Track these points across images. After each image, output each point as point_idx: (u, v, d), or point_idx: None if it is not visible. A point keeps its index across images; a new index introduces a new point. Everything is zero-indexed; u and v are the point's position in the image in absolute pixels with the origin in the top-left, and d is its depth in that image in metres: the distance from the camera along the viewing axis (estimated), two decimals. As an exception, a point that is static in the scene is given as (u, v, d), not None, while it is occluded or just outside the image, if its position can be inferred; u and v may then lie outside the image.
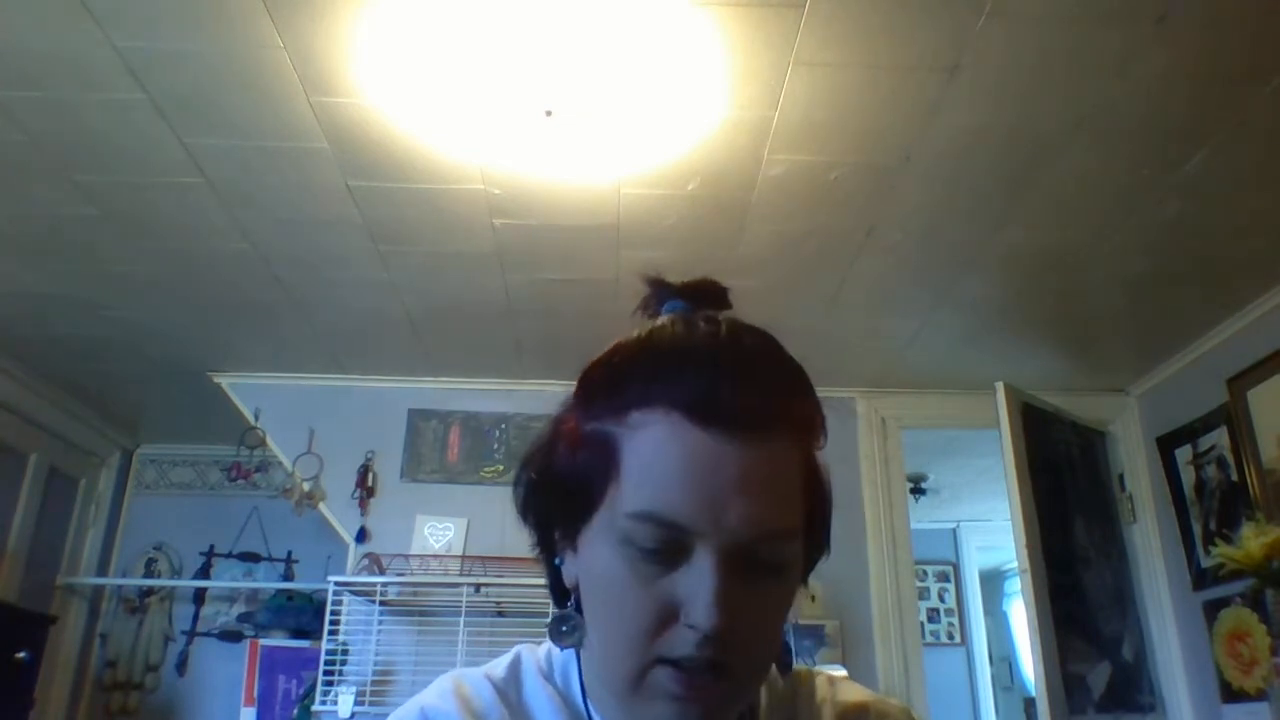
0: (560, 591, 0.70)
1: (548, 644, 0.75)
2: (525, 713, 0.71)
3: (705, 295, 0.72)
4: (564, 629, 0.68)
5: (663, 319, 0.68)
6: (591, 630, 0.65)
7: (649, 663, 0.60)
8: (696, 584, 0.58)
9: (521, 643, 0.78)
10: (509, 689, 0.72)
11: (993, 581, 6.46)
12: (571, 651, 0.73)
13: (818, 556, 0.69)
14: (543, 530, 0.69)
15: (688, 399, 0.59)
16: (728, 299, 0.72)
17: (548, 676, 0.73)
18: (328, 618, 3.16)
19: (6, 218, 2.44)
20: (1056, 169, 2.20)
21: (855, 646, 3.31)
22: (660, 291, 0.73)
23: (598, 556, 0.62)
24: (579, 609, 0.67)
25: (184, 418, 3.96)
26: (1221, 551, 2.59)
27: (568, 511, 0.65)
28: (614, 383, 0.64)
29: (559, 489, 0.65)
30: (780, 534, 0.60)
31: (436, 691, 0.72)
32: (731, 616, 0.57)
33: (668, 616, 0.59)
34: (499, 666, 0.74)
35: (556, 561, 0.69)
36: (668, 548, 0.59)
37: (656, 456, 0.59)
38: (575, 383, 0.68)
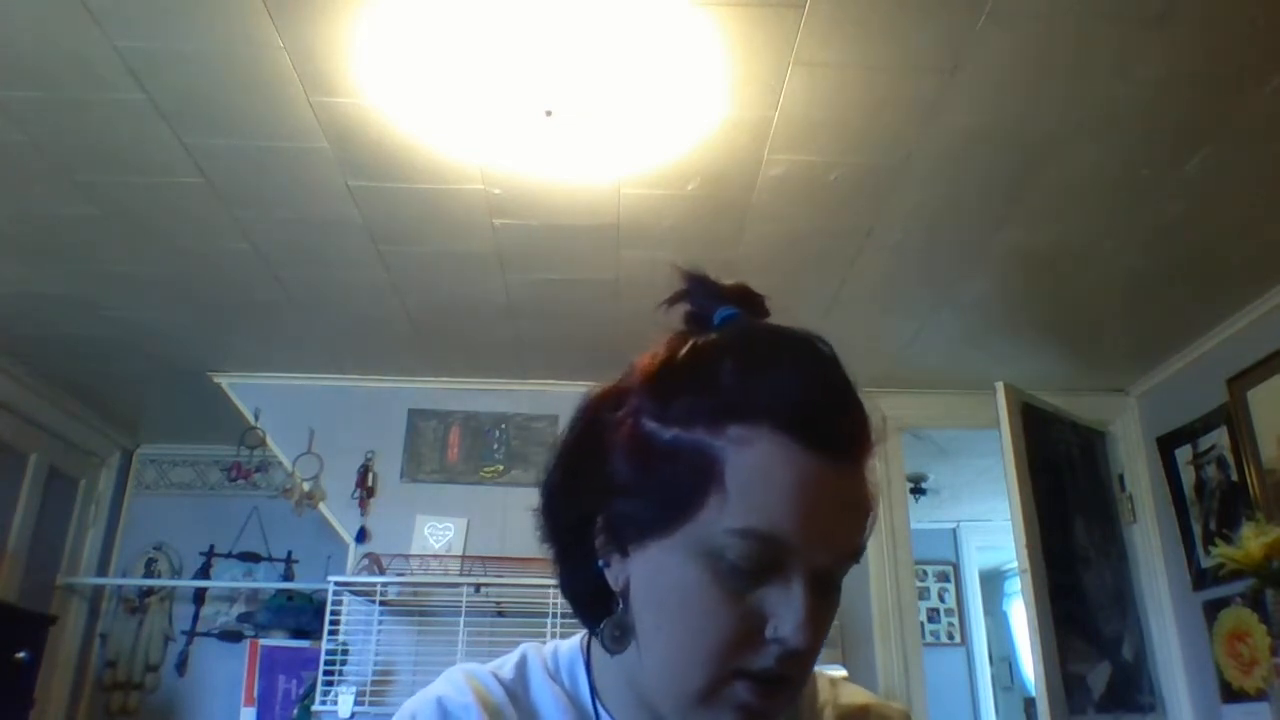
0: (588, 595, 0.68)
1: (553, 643, 0.75)
2: (533, 712, 0.71)
3: (755, 303, 0.71)
4: (617, 634, 0.65)
5: (736, 326, 0.67)
6: (652, 639, 0.63)
7: (727, 675, 0.60)
8: (789, 602, 0.59)
9: (525, 642, 0.78)
10: (517, 688, 0.72)
11: (993, 581, 6.46)
12: (578, 651, 0.73)
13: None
14: (580, 525, 0.66)
15: (796, 418, 0.59)
16: (767, 308, 0.71)
17: (554, 676, 0.73)
18: (328, 618, 3.16)
19: (6, 218, 2.44)
20: (1056, 169, 2.20)
21: (855, 646, 3.31)
22: (707, 292, 0.70)
23: (672, 567, 0.60)
24: (626, 611, 0.65)
25: (184, 418, 3.96)
26: (1221, 551, 2.59)
27: (636, 520, 0.62)
28: (706, 392, 0.61)
29: (629, 497, 0.63)
30: (859, 554, 0.63)
31: (450, 684, 0.71)
32: (815, 633, 0.59)
33: (752, 631, 0.59)
34: (506, 665, 0.74)
35: (600, 564, 0.66)
36: (762, 566, 0.59)
37: (766, 476, 0.58)
38: (641, 382, 0.65)
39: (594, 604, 0.67)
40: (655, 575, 0.62)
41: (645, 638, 0.63)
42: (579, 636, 0.75)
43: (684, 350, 0.65)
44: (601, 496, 0.65)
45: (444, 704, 0.69)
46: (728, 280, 0.72)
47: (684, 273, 0.71)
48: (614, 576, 0.65)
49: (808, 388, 0.61)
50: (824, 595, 0.61)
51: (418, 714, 0.69)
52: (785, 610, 0.59)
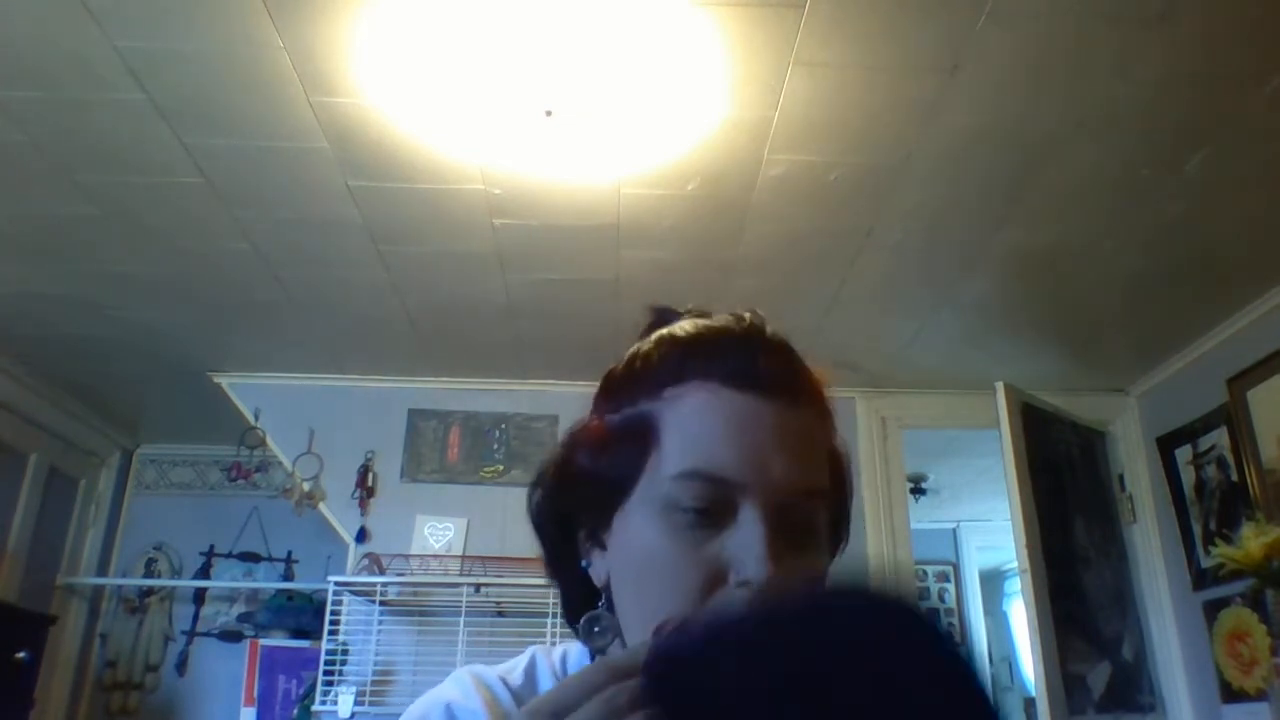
0: (580, 600, 0.69)
1: (562, 646, 0.75)
2: None
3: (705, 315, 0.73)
4: (596, 629, 0.67)
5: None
6: (632, 615, 0.64)
7: None
8: (745, 540, 0.59)
9: (533, 643, 0.77)
10: (525, 693, 0.70)
11: (993, 581, 6.46)
12: (586, 656, 0.72)
13: (840, 545, 0.70)
14: (564, 538, 0.69)
15: (725, 368, 0.62)
16: None
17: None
18: (328, 618, 3.16)
19: (6, 218, 2.44)
20: (1056, 169, 2.20)
21: (855, 646, 3.31)
22: (664, 315, 0.74)
23: (637, 534, 0.63)
24: (610, 609, 0.66)
25: (184, 418, 3.96)
26: (1221, 551, 2.59)
27: (599, 502, 0.65)
28: (642, 371, 0.66)
29: (587, 483, 0.66)
30: (815, 492, 0.63)
31: (459, 688, 0.70)
32: (780, 570, 0.58)
33: (716, 579, 0.59)
34: (515, 670, 0.73)
35: (584, 564, 0.68)
36: (714, 507, 0.60)
37: (698, 418, 0.62)
38: (595, 393, 0.70)
39: (586, 608, 0.68)
40: (624, 547, 0.64)
41: (626, 613, 0.64)
42: None
43: (622, 360, 0.70)
44: (572, 496, 0.68)
45: (453, 710, 0.68)
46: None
47: (650, 309, 0.74)
48: (597, 574, 0.67)
49: (730, 340, 0.65)
50: (790, 536, 0.60)
51: (426, 717, 0.68)
52: (744, 551, 0.58)
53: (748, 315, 0.68)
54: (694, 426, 0.61)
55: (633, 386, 0.66)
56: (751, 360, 0.63)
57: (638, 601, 0.63)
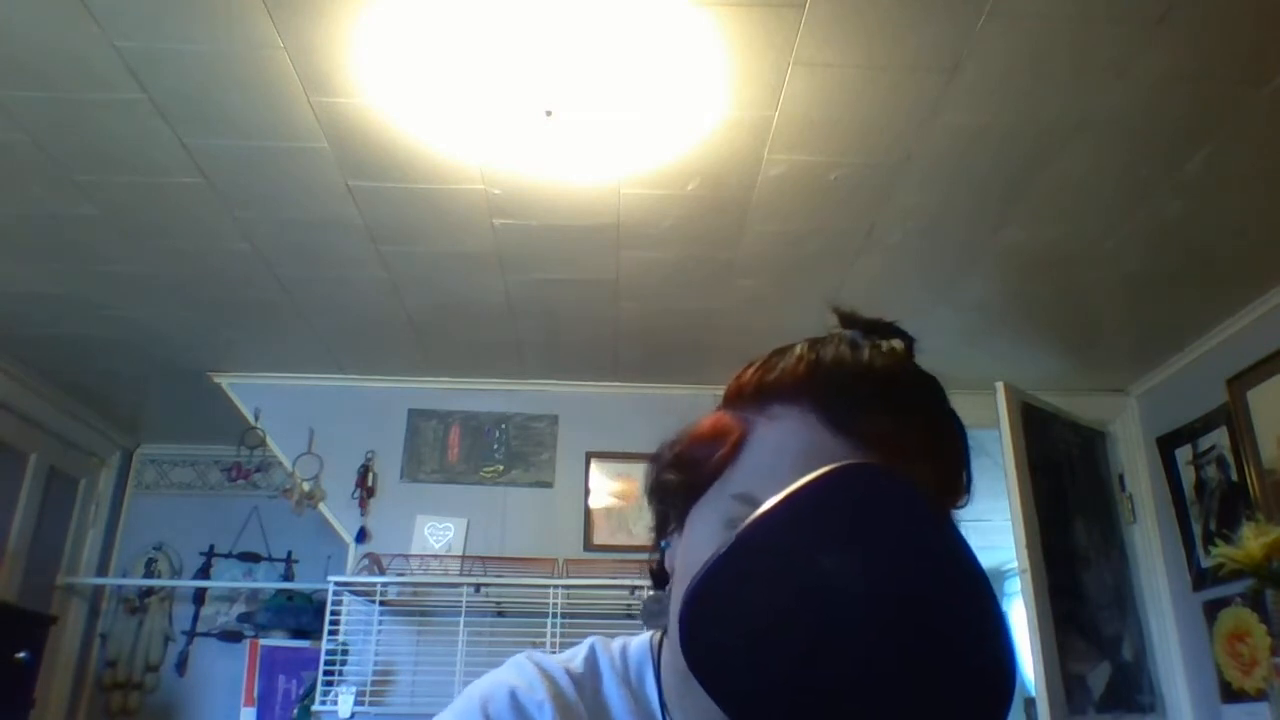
0: (659, 577, 0.71)
1: (621, 639, 0.74)
2: (603, 710, 0.69)
3: (885, 330, 0.71)
4: (654, 609, 0.69)
5: (832, 335, 0.69)
6: (674, 611, 0.63)
7: None
8: None
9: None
10: (586, 684, 0.69)
11: (993, 581, 6.42)
12: (646, 650, 0.72)
13: None
14: (662, 513, 0.70)
15: (830, 402, 0.60)
16: (910, 344, 0.72)
17: (622, 675, 0.71)
18: (328, 618, 3.16)
19: (6, 218, 2.44)
20: (1057, 169, 2.20)
21: (855, 646, 3.31)
22: (847, 320, 0.72)
23: (695, 535, 0.63)
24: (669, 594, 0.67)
25: (184, 418, 3.96)
26: (1221, 551, 2.59)
27: (679, 493, 0.66)
28: (765, 376, 0.65)
29: (680, 465, 0.67)
30: None
31: (521, 675, 0.68)
32: None
33: None
34: (575, 659, 0.72)
35: (663, 545, 0.70)
36: None
37: (777, 445, 0.61)
38: (729, 383, 0.70)
39: (659, 586, 0.71)
40: (685, 543, 0.65)
41: (675, 604, 0.64)
42: (648, 635, 0.74)
43: (766, 356, 0.69)
44: (665, 479, 0.69)
45: (518, 697, 0.66)
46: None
47: (833, 308, 0.72)
48: (670, 557, 0.68)
49: (856, 379, 0.61)
50: None
51: (489, 701, 0.65)
52: None
53: (891, 353, 0.66)
54: (770, 453, 0.61)
55: (753, 392, 0.65)
56: (861, 402, 0.60)
57: (678, 600, 0.63)
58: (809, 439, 0.59)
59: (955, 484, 0.65)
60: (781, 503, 0.49)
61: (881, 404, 0.61)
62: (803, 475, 0.53)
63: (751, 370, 0.67)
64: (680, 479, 0.66)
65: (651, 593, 0.69)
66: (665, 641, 0.70)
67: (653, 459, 0.71)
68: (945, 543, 0.49)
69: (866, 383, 0.62)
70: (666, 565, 0.69)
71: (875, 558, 0.47)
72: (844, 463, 0.50)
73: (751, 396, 0.64)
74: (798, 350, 0.66)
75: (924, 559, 0.48)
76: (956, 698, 0.46)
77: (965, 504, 0.65)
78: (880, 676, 0.46)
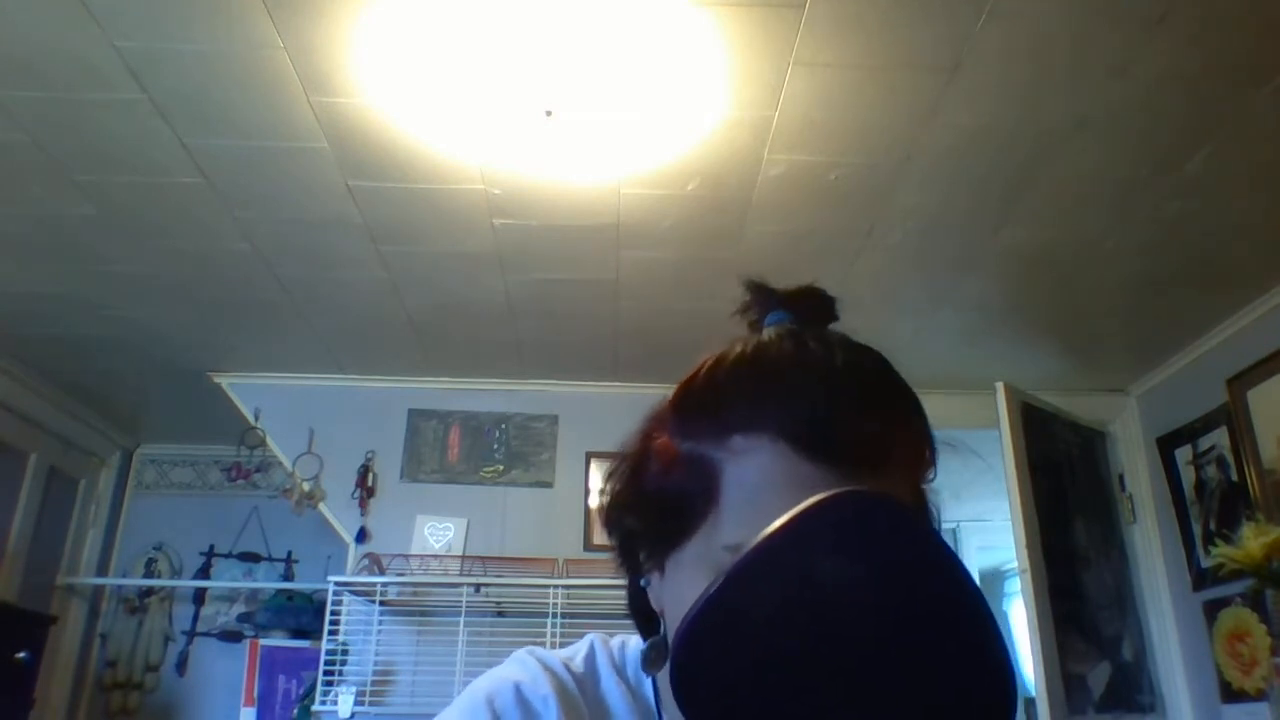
0: (644, 613, 0.68)
1: (620, 638, 0.74)
2: (603, 707, 0.69)
3: (812, 306, 0.69)
4: (652, 655, 0.65)
5: (769, 332, 0.65)
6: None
7: None
8: None
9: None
10: (586, 681, 0.70)
11: (993, 581, 6.46)
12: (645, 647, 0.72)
13: None
14: (627, 547, 0.67)
15: (797, 428, 0.56)
16: (835, 310, 0.69)
17: (621, 672, 0.71)
18: (328, 618, 3.16)
19: (6, 218, 2.44)
20: (1056, 169, 2.20)
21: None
22: (763, 299, 0.69)
23: (684, 584, 0.59)
24: (668, 635, 0.64)
25: (184, 418, 3.96)
26: (1221, 551, 2.59)
27: (657, 534, 0.62)
28: (715, 402, 0.60)
29: (649, 509, 0.63)
30: None
31: (524, 670, 0.68)
32: None
33: None
34: (576, 657, 0.72)
35: (642, 583, 0.66)
36: None
37: (761, 490, 0.56)
38: (671, 394, 0.65)
39: (645, 622, 0.68)
40: (675, 593, 0.61)
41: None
42: None
43: (705, 364, 0.64)
44: (632, 517, 0.65)
45: (523, 691, 0.66)
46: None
47: (745, 281, 0.69)
48: (654, 597, 0.65)
49: (815, 393, 0.57)
50: None
51: (494, 696, 0.65)
52: None
53: (837, 346, 0.61)
54: (754, 499, 0.56)
55: (707, 411, 0.61)
56: (830, 421, 0.56)
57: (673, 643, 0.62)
58: (785, 470, 0.56)
59: (928, 463, 0.63)
60: (764, 541, 0.48)
61: (849, 412, 0.57)
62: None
63: (692, 395, 0.63)
64: (649, 526, 0.63)
65: (649, 641, 0.67)
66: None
67: (602, 490, 0.68)
68: (938, 561, 0.49)
69: (826, 392, 0.58)
70: (653, 605, 0.65)
71: (868, 588, 0.47)
72: (821, 497, 0.49)
73: (707, 429, 0.59)
74: (735, 359, 0.61)
75: (919, 581, 0.48)
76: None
77: (934, 477, 0.64)
78: (881, 701, 0.46)
